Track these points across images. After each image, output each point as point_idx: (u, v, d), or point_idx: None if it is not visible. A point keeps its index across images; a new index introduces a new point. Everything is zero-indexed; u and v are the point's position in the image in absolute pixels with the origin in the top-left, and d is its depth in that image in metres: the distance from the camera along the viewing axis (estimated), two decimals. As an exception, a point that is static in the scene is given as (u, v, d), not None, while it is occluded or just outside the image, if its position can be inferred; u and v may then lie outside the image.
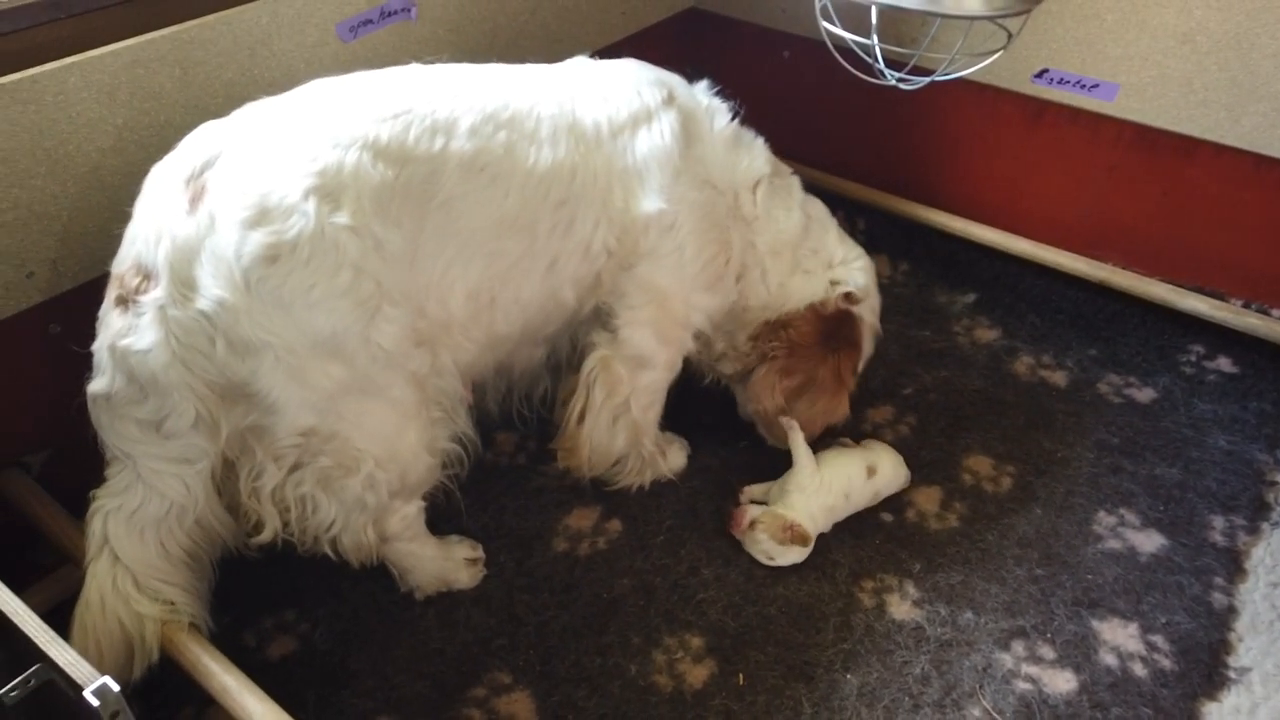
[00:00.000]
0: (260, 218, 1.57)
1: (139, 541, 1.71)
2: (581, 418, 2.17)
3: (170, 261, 1.57)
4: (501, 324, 1.94)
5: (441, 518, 2.14)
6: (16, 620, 1.30)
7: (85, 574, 1.71)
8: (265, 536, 1.79)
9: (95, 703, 1.20)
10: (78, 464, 1.97)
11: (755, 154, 2.20)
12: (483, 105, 1.81)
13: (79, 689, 1.22)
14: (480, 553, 2.16)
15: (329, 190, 1.62)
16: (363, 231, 1.65)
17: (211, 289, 1.56)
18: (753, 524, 2.14)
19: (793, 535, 2.11)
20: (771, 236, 2.21)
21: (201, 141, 1.67)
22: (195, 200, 1.58)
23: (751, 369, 2.31)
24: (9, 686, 1.28)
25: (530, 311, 1.98)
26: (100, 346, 1.64)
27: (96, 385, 1.65)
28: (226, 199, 1.58)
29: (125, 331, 1.59)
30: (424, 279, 1.77)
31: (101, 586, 1.69)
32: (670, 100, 2.04)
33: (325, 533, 1.84)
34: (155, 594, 1.72)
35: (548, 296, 1.98)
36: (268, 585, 2.09)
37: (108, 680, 1.22)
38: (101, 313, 1.66)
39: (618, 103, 1.98)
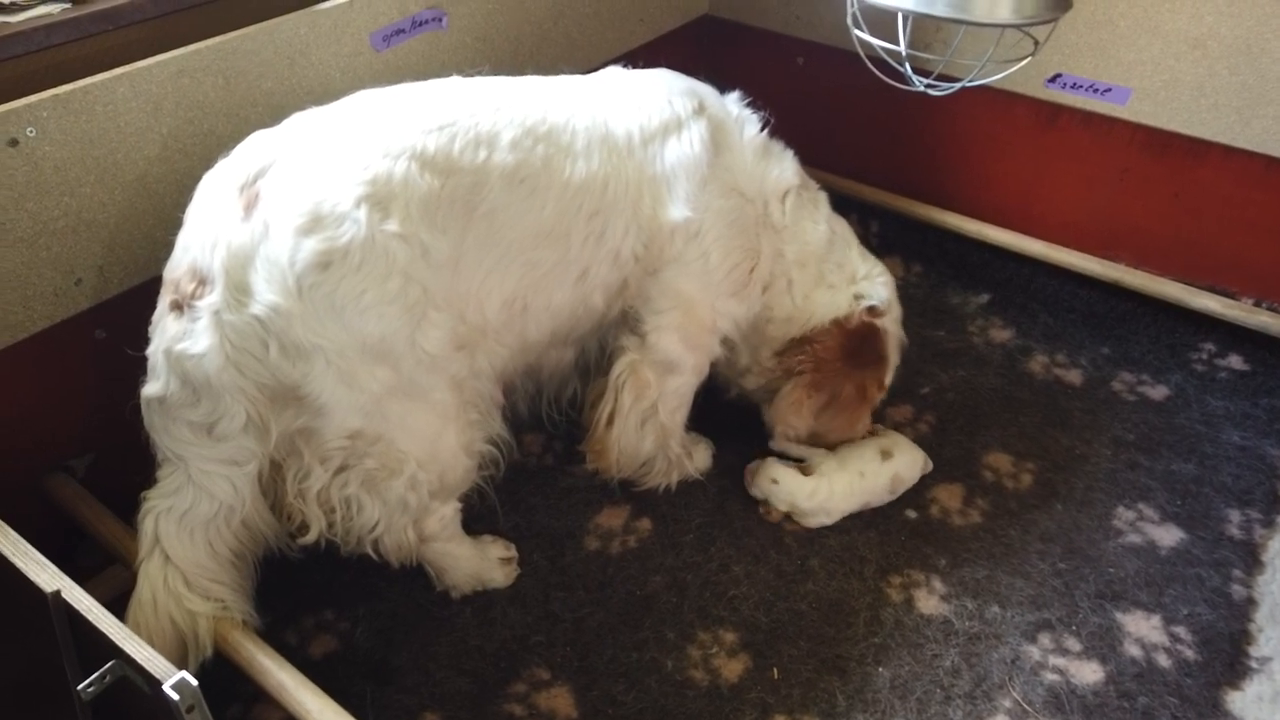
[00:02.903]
0: (313, 225, 1.61)
1: (189, 541, 1.75)
2: (610, 421, 2.21)
3: (226, 267, 1.60)
4: (533, 330, 1.98)
5: (474, 518, 2.18)
6: (91, 618, 1.34)
7: (137, 573, 1.74)
8: (310, 537, 1.83)
9: (175, 697, 1.24)
10: (121, 467, 2.01)
11: (785, 165, 2.23)
12: (522, 119, 1.86)
13: (157, 684, 1.25)
14: (514, 552, 2.20)
15: (379, 199, 1.66)
16: (411, 239, 1.69)
17: (266, 294, 1.60)
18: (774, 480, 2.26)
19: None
20: (799, 247, 2.24)
21: (253, 150, 1.71)
22: (249, 207, 1.62)
23: (776, 386, 2.33)
24: (86, 682, 1.32)
25: (560, 318, 2.02)
26: (155, 351, 1.68)
27: (151, 389, 1.68)
28: (280, 206, 1.61)
29: (180, 336, 1.63)
30: (465, 286, 1.82)
31: (154, 585, 1.73)
32: (700, 110, 2.09)
33: (369, 533, 1.88)
34: (205, 593, 1.76)
35: (578, 303, 2.03)
36: (306, 585, 2.12)
37: (185, 675, 1.26)
38: (155, 318, 1.70)
39: (649, 111, 2.03)
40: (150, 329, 1.70)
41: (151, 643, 1.70)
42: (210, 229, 1.64)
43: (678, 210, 2.02)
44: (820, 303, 2.27)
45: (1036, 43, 1.98)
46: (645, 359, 2.16)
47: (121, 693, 1.36)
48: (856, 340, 2.27)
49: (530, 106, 1.89)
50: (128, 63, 1.80)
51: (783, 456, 2.38)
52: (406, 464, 1.82)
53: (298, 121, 1.77)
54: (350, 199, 1.64)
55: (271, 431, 1.69)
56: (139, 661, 1.27)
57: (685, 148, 2.03)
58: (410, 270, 1.69)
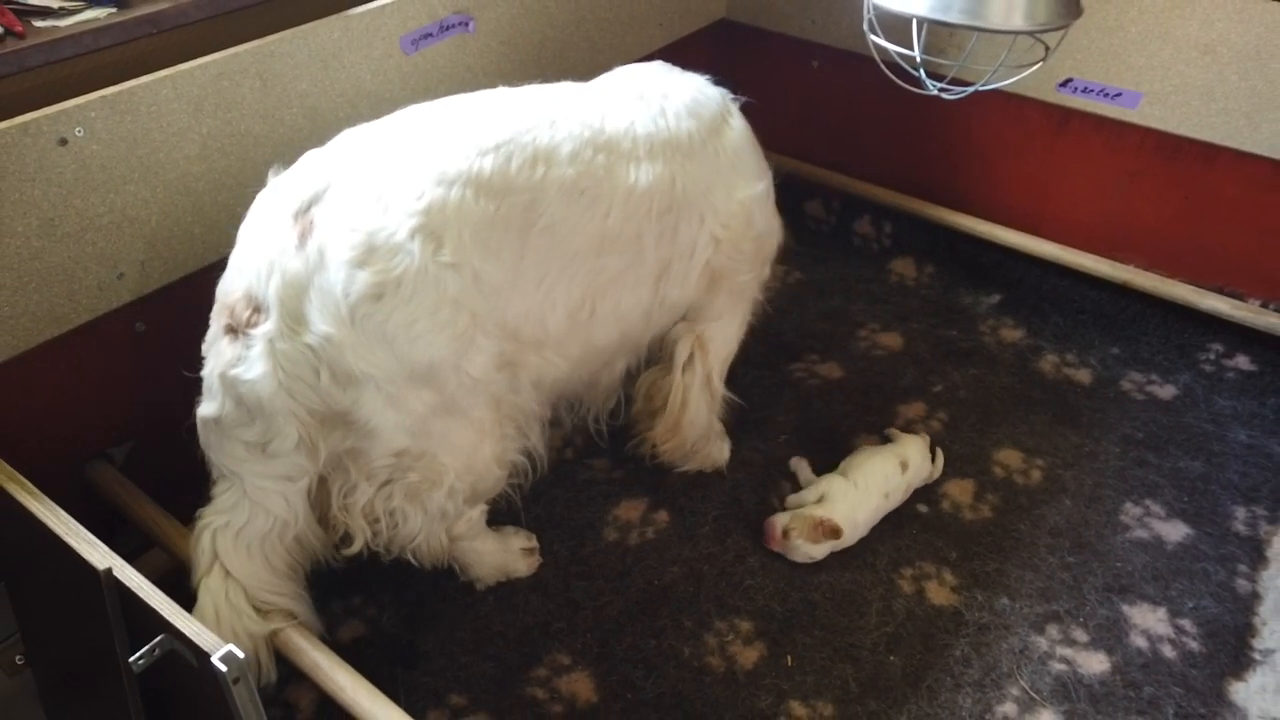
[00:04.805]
0: (367, 257, 1.64)
1: (246, 556, 1.79)
2: (685, 402, 2.31)
3: (280, 297, 1.64)
4: (600, 336, 2.04)
5: (497, 510, 2.23)
6: (141, 594, 1.40)
7: (197, 589, 1.78)
8: (355, 548, 1.89)
9: (223, 669, 1.30)
10: (159, 456, 2.09)
11: None
12: (580, 131, 1.90)
13: (205, 656, 1.32)
14: (535, 543, 2.26)
15: (432, 229, 1.69)
16: (463, 267, 1.72)
17: (319, 324, 1.64)
18: (786, 533, 2.22)
19: (824, 530, 2.21)
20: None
21: (306, 174, 1.73)
22: (304, 236, 1.65)
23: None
24: (136, 655, 1.39)
25: (632, 318, 2.09)
26: (210, 373, 1.71)
27: (207, 409, 1.72)
28: (335, 236, 1.64)
29: (236, 361, 1.66)
30: (523, 302, 1.86)
31: (216, 601, 1.76)
32: (724, 96, 2.22)
33: (411, 543, 1.94)
34: (267, 605, 1.80)
35: (654, 302, 2.12)
36: (335, 573, 2.17)
37: (233, 648, 1.32)
38: (209, 339, 1.73)
39: (699, 112, 2.11)
40: (204, 349, 1.74)
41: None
42: (265, 255, 1.67)
43: (751, 186, 2.17)
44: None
45: (1048, 48, 2.03)
46: (708, 330, 2.28)
47: (169, 667, 1.42)
48: None
49: (585, 118, 1.93)
50: (171, 65, 1.87)
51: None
52: (446, 476, 1.87)
53: (349, 141, 1.79)
54: (405, 230, 1.66)
55: (321, 451, 1.74)
56: (188, 635, 1.33)
57: (737, 133, 2.18)
58: (460, 298, 1.73)
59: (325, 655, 1.68)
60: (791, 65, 3.21)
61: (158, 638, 1.38)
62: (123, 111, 1.80)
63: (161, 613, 1.37)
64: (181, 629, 1.35)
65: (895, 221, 3.21)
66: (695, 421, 2.35)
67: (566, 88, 2.04)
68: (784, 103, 3.29)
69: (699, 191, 2.08)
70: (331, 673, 1.64)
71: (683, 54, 3.08)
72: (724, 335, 2.32)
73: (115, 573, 1.41)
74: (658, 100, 2.07)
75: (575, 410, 2.34)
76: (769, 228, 2.27)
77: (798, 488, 2.40)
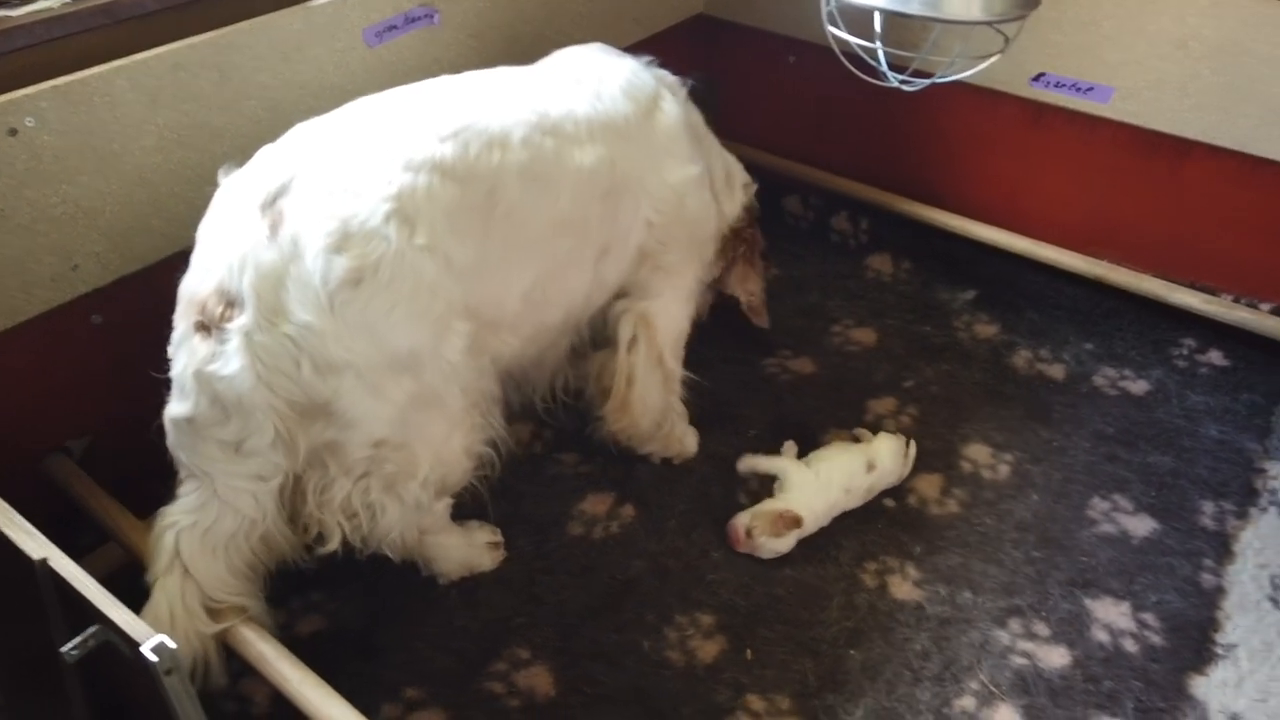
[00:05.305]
0: (343, 242, 1.64)
1: (211, 558, 1.76)
2: (631, 380, 2.32)
3: (256, 289, 1.62)
4: (548, 316, 2.06)
5: (463, 505, 2.22)
6: (76, 585, 1.39)
7: (153, 588, 1.75)
8: (331, 546, 1.86)
9: (153, 659, 1.30)
10: (118, 449, 2.08)
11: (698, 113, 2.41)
12: (527, 115, 1.92)
13: (136, 646, 1.31)
14: (500, 537, 2.25)
15: (406, 214, 1.70)
16: (436, 251, 1.73)
17: (299, 314, 1.63)
18: (749, 533, 2.21)
19: (785, 522, 2.20)
20: (721, 165, 2.49)
21: (266, 167, 1.73)
22: (275, 227, 1.64)
23: (716, 274, 2.59)
24: (70, 645, 1.38)
25: (576, 298, 2.12)
26: (183, 372, 1.68)
27: (178, 409, 1.69)
28: (308, 225, 1.64)
29: (211, 358, 1.64)
30: (488, 287, 1.87)
31: (171, 601, 1.73)
32: (658, 80, 2.26)
33: (388, 535, 1.93)
34: (220, 605, 1.77)
35: (594, 282, 2.14)
36: (296, 569, 2.17)
37: (164, 638, 1.31)
38: (177, 339, 1.70)
39: (634, 94, 2.14)
40: (171, 350, 1.72)
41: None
42: (235, 249, 1.65)
43: (683, 169, 2.20)
44: (734, 203, 2.54)
45: (1007, 39, 2.03)
46: (649, 308, 2.30)
47: (108, 659, 1.42)
48: (755, 219, 2.66)
49: (531, 102, 1.96)
50: (127, 55, 1.86)
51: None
52: (421, 466, 1.87)
53: (304, 134, 1.79)
54: (380, 215, 1.67)
55: (300, 445, 1.72)
56: (120, 625, 1.33)
57: (670, 117, 2.20)
58: (437, 282, 1.74)
59: (272, 647, 1.67)
60: (769, 61, 3.20)
61: (92, 628, 1.37)
62: (75, 102, 1.80)
63: (95, 603, 1.36)
64: (114, 619, 1.34)
65: (873, 217, 3.20)
66: (646, 399, 2.34)
67: (506, 72, 2.07)
68: (761, 98, 3.28)
69: (636, 175, 2.11)
70: (277, 664, 1.63)
71: (659, 49, 3.05)
72: (669, 314, 2.33)
73: (51, 563, 1.41)
74: (593, 83, 2.10)
75: (521, 390, 2.33)
76: (703, 212, 2.30)
77: (767, 486, 2.39)
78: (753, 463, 2.43)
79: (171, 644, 1.31)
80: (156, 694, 1.33)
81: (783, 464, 2.35)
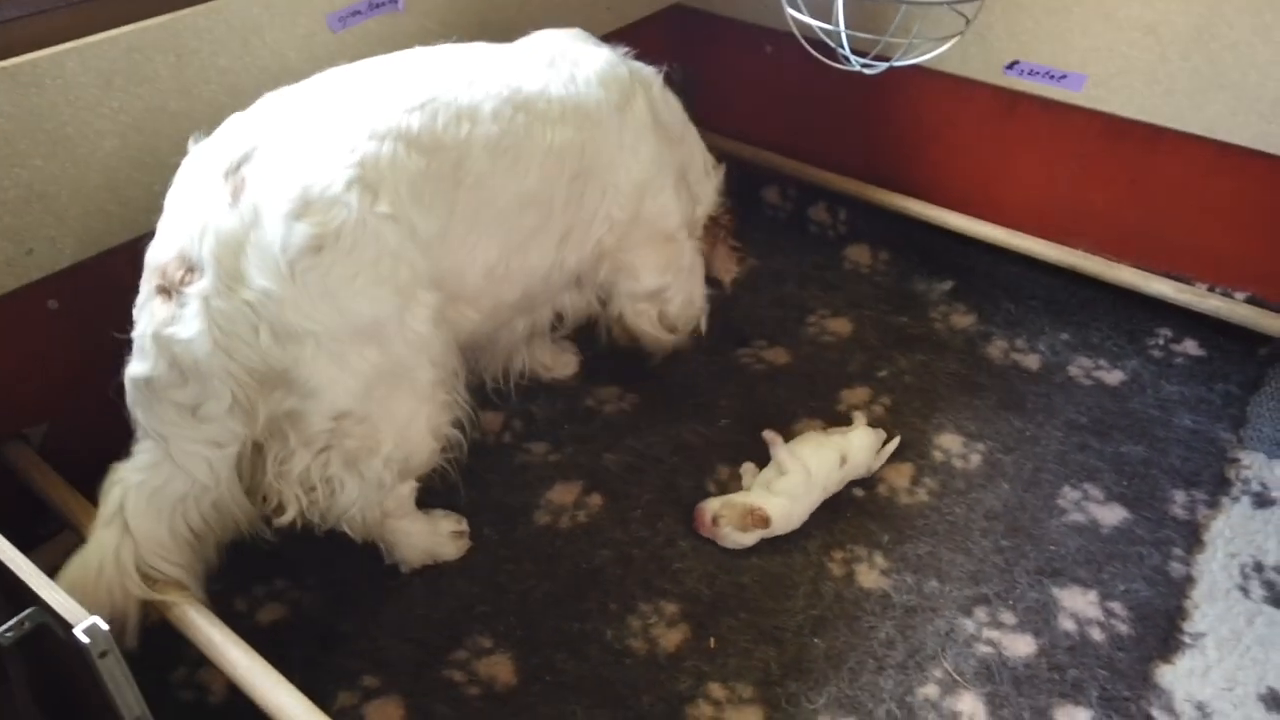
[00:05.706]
0: (304, 209, 1.64)
1: (154, 518, 1.75)
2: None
3: (216, 255, 1.62)
4: (508, 293, 2.06)
5: (432, 493, 2.21)
6: (12, 566, 1.38)
7: (90, 537, 1.74)
8: (288, 517, 1.85)
9: (85, 640, 1.28)
10: (76, 437, 2.06)
11: (670, 94, 2.41)
12: (499, 90, 1.92)
13: (69, 628, 1.29)
14: (465, 526, 2.23)
15: (369, 181, 1.69)
16: (400, 219, 1.73)
17: (257, 280, 1.62)
18: (715, 520, 2.19)
19: (754, 519, 2.17)
20: (699, 159, 2.52)
21: (233, 135, 1.72)
22: (237, 193, 1.64)
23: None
24: (4, 628, 1.36)
25: (534, 279, 2.11)
26: (143, 333, 1.68)
27: (138, 369, 1.69)
28: (269, 191, 1.63)
29: (170, 320, 1.64)
30: (452, 258, 1.87)
31: (103, 553, 1.72)
32: (633, 71, 2.24)
33: (346, 512, 1.91)
34: (156, 573, 1.75)
35: (554, 264, 2.13)
36: (258, 554, 2.15)
37: (97, 620, 1.29)
38: (140, 301, 1.71)
39: (608, 83, 2.13)
40: (135, 311, 1.71)
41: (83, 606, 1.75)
42: (196, 216, 1.65)
43: (644, 170, 2.20)
44: (709, 190, 2.55)
45: (968, 20, 2.01)
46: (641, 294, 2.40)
47: (46, 642, 1.40)
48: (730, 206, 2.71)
49: (505, 77, 1.96)
50: (79, 38, 1.84)
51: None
52: (384, 443, 1.85)
53: (273, 103, 1.78)
54: (341, 182, 1.67)
55: (259, 414, 1.71)
56: (53, 606, 1.31)
57: (640, 114, 2.19)
58: (400, 251, 1.73)
59: (221, 632, 1.64)
60: (744, 51, 3.18)
61: (28, 610, 1.35)
62: (25, 84, 1.78)
63: (30, 584, 1.34)
64: (48, 601, 1.32)
65: (850, 208, 3.18)
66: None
67: (480, 47, 2.06)
68: (738, 89, 3.26)
69: (604, 163, 2.11)
70: (225, 650, 1.61)
71: (634, 39, 3.04)
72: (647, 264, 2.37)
73: (-15, 543, 1.39)
74: (568, 66, 2.09)
75: (472, 369, 2.31)
76: (661, 211, 2.30)
77: (735, 474, 2.37)
78: (774, 438, 2.36)
79: (104, 625, 1.29)
80: (94, 676, 1.31)
81: (790, 461, 2.28)
